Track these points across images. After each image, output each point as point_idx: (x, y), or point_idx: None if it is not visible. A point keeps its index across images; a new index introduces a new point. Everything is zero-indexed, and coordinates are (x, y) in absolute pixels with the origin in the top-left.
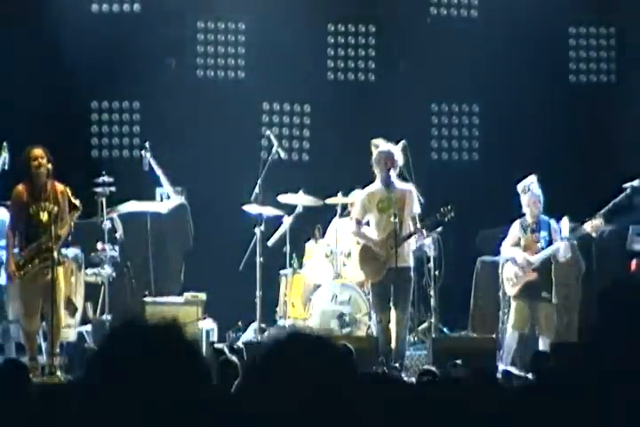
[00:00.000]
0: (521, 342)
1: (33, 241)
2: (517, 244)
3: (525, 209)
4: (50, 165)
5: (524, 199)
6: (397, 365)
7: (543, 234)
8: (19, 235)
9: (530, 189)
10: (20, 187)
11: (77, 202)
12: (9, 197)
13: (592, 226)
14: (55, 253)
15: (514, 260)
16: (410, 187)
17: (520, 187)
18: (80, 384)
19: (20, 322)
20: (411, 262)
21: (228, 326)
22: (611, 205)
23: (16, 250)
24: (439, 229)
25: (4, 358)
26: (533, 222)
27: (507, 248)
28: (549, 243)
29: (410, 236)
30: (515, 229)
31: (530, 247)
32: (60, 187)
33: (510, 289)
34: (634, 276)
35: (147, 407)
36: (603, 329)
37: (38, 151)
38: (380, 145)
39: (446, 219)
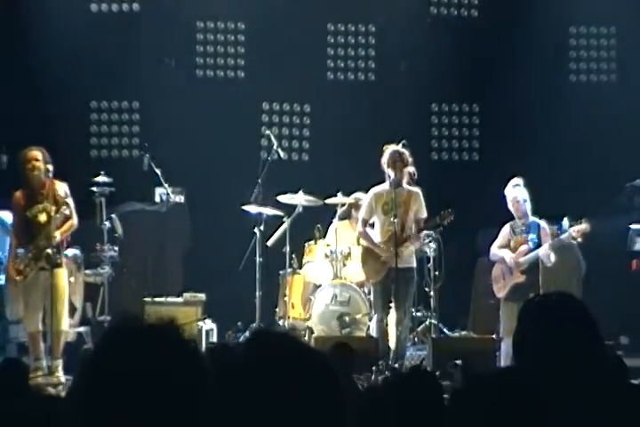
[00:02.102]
0: None
1: (32, 243)
2: (506, 246)
3: (511, 210)
4: (48, 166)
5: (508, 201)
6: (397, 365)
7: (532, 236)
8: (20, 238)
9: (508, 191)
10: (18, 193)
11: (69, 200)
12: (7, 196)
13: (577, 231)
14: (50, 251)
15: (502, 260)
16: (417, 190)
17: (506, 189)
18: (76, 384)
19: (23, 323)
20: (413, 263)
21: (228, 327)
22: (611, 204)
23: (20, 250)
24: (439, 229)
25: (4, 358)
26: (523, 224)
27: (496, 249)
28: (538, 245)
29: (406, 240)
30: (504, 232)
31: (518, 249)
32: (59, 185)
33: (498, 291)
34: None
35: (145, 408)
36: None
37: (32, 154)
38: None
39: (446, 222)
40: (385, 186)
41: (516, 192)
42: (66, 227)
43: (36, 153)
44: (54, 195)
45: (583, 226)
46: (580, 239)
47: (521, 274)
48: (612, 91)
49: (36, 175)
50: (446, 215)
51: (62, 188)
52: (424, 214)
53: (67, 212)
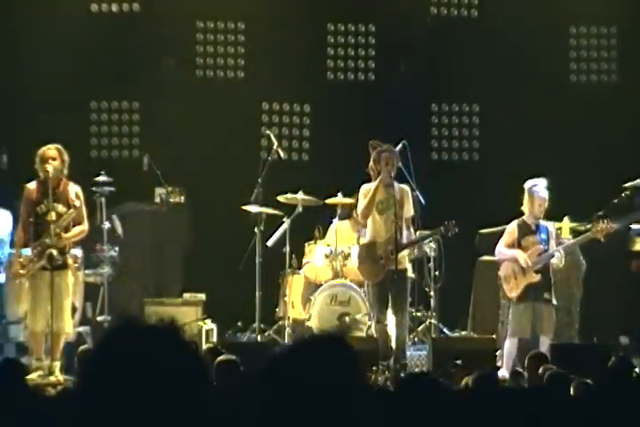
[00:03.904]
0: (521, 347)
1: (37, 240)
2: (513, 244)
3: (525, 209)
4: (64, 167)
5: (528, 199)
6: (398, 365)
7: (543, 236)
8: (27, 233)
9: (537, 191)
10: (31, 185)
11: (77, 203)
12: (7, 196)
13: (598, 230)
14: (54, 251)
15: (512, 259)
16: (407, 187)
17: (527, 185)
18: (77, 385)
19: (28, 322)
20: (405, 264)
21: (228, 327)
22: (611, 205)
23: (27, 250)
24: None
25: (3, 358)
26: (533, 224)
27: (503, 248)
28: (547, 246)
29: (407, 246)
30: (512, 229)
31: (530, 249)
32: (74, 189)
33: (510, 291)
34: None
35: (145, 408)
36: None
37: (50, 153)
38: (378, 145)
39: (449, 234)
40: (377, 184)
41: (546, 195)
42: (76, 231)
43: (53, 152)
44: (67, 196)
45: (605, 225)
46: (603, 239)
47: (535, 274)
48: (611, 91)
49: (52, 175)
50: (450, 227)
51: (74, 190)
52: (412, 212)
53: (73, 214)
